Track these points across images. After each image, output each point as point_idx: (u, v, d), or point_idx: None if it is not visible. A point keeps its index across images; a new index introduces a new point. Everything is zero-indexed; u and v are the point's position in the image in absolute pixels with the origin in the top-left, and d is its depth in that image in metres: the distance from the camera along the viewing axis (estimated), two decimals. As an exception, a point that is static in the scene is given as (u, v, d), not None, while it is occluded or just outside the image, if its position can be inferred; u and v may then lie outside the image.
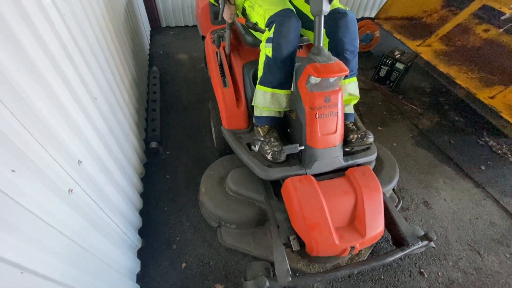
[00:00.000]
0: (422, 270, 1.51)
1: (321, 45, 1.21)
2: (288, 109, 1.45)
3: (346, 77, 1.37)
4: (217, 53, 1.80)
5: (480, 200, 1.89)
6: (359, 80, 2.90)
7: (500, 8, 2.30)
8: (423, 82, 3.02)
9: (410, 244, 1.24)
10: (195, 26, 3.84)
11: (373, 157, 1.40)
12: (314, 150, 1.26)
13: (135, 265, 1.37)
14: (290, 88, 1.38)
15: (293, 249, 1.21)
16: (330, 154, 1.28)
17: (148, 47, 3.27)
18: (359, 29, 3.11)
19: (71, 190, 0.86)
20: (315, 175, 1.28)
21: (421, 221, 1.74)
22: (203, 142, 2.16)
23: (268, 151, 1.34)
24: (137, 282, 1.36)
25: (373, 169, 1.50)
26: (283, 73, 1.32)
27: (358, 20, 3.00)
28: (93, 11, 1.39)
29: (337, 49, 1.31)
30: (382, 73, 2.82)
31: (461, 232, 1.70)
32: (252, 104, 1.47)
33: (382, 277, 1.47)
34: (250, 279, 1.13)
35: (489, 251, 1.62)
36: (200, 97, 2.60)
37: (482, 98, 2.14)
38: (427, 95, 2.84)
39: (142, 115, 2.17)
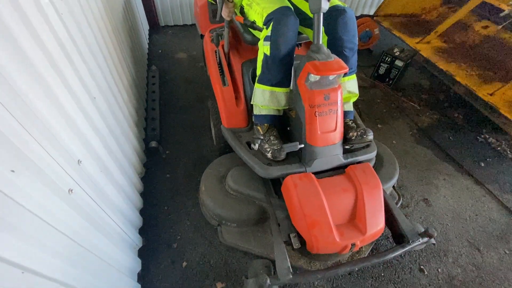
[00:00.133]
0: (422, 267, 1.51)
1: (320, 42, 1.21)
2: (287, 107, 1.45)
3: (345, 74, 1.37)
4: (216, 52, 1.80)
5: (479, 196, 1.90)
6: (358, 78, 2.90)
7: (499, 4, 2.30)
8: (422, 79, 3.02)
9: (410, 241, 1.24)
10: (193, 25, 3.83)
11: (373, 154, 1.40)
12: (314, 148, 1.26)
13: (136, 264, 1.38)
14: (289, 86, 1.38)
15: (294, 247, 1.21)
16: (330, 152, 1.28)
17: (147, 46, 3.26)
18: (358, 26, 3.10)
19: (71, 190, 0.86)
20: (315, 173, 1.28)
21: (421, 218, 1.75)
22: (203, 141, 2.16)
23: (268, 150, 1.34)
24: (138, 281, 1.37)
25: (373, 167, 1.51)
26: (282, 71, 1.32)
27: (357, 17, 3.00)
28: (91, 11, 1.39)
29: (336, 46, 1.31)
30: (382, 70, 2.82)
31: (461, 228, 1.71)
32: (251, 102, 1.46)
33: (383, 274, 1.48)
34: (251, 277, 1.14)
35: (489, 247, 1.62)
36: (199, 96, 2.60)
37: (481, 95, 2.14)
38: (426, 92, 2.84)
39: (142, 115, 2.17)
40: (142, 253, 1.48)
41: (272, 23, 1.22)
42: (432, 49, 2.62)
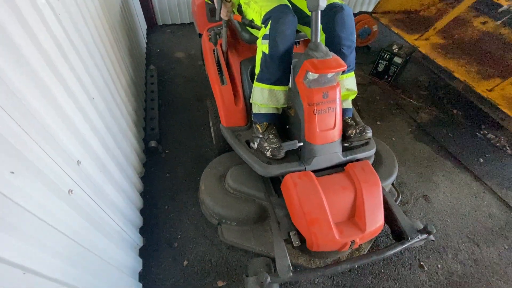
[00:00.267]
0: (422, 263, 1.52)
1: (318, 40, 1.21)
2: (286, 106, 1.45)
3: (343, 72, 1.37)
4: (214, 51, 1.79)
5: (478, 192, 1.90)
6: (357, 75, 2.90)
7: (497, 0, 2.29)
8: (421, 76, 3.01)
9: (409, 238, 1.25)
10: (191, 23, 3.81)
11: (372, 152, 1.41)
12: (313, 146, 1.26)
13: (137, 264, 1.38)
14: (288, 84, 1.38)
15: (294, 244, 1.22)
16: (329, 149, 1.28)
17: (145, 45, 3.25)
18: (356, 23, 3.11)
19: (71, 191, 0.86)
20: (315, 171, 1.28)
21: (420, 214, 1.75)
22: (202, 140, 2.16)
23: (267, 148, 1.34)
24: (139, 280, 1.37)
25: (372, 164, 1.51)
26: (281, 69, 1.32)
27: (356, 14, 2.99)
28: (88, 10, 1.38)
29: (334, 44, 1.31)
30: (380, 67, 2.82)
31: (460, 224, 1.72)
32: (250, 101, 1.46)
33: (383, 270, 1.48)
34: (252, 275, 1.14)
35: (488, 242, 1.63)
36: (198, 95, 2.59)
37: (480, 91, 2.14)
38: (425, 89, 2.84)
39: (141, 114, 2.17)
40: (143, 253, 1.48)
41: (270, 22, 1.22)
42: (430, 45, 2.62)
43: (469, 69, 2.36)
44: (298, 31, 1.47)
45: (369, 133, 1.34)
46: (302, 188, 1.18)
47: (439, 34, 2.72)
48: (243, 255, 1.52)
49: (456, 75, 2.29)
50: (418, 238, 1.25)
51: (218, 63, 1.73)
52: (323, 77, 1.19)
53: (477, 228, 1.70)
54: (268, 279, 1.09)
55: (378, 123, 2.41)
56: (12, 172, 0.63)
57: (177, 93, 2.62)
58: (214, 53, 1.78)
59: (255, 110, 1.46)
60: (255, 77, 1.40)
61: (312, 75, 1.16)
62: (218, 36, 1.73)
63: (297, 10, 1.37)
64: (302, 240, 1.22)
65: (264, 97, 1.38)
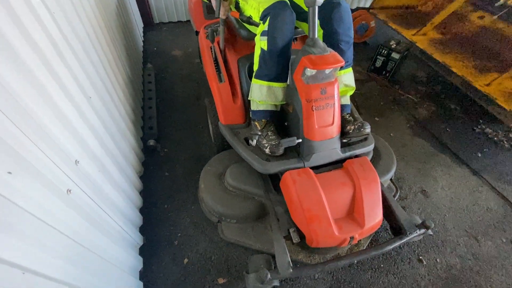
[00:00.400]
0: (421, 257, 1.53)
1: (316, 36, 1.20)
2: (284, 103, 1.44)
3: (341, 68, 1.36)
4: (211, 48, 1.78)
5: (476, 186, 1.91)
6: (355, 71, 2.89)
7: (495, -6, 2.29)
8: (419, 71, 3.01)
9: (408, 233, 1.26)
10: (188, 21, 3.79)
11: (370, 147, 1.41)
12: (311, 142, 1.26)
13: (137, 263, 1.38)
14: (286, 81, 1.37)
15: (293, 241, 1.22)
16: (328, 146, 1.29)
17: (142, 44, 3.23)
18: (354, 19, 3.10)
19: (70, 190, 0.86)
20: (314, 168, 1.29)
21: (419, 209, 1.76)
22: (200, 139, 2.16)
23: (266, 145, 1.34)
24: (140, 279, 1.38)
25: (371, 160, 1.51)
26: (279, 66, 1.31)
27: (353, 10, 2.99)
28: (83, 9, 1.37)
29: (332, 40, 1.30)
30: (378, 63, 2.81)
31: (459, 219, 1.73)
32: (249, 98, 1.46)
33: (382, 265, 1.49)
34: (252, 272, 1.15)
35: (486, 236, 1.65)
36: (196, 93, 2.59)
37: (477, 86, 2.14)
38: (423, 84, 2.85)
39: (139, 113, 2.16)
40: (143, 251, 1.49)
41: (269, 18, 1.21)
42: (428, 40, 2.62)
43: (466, 64, 2.36)
44: (295, 27, 1.47)
45: (368, 129, 1.34)
46: (301, 185, 1.19)
47: (436, 29, 2.71)
48: (243, 252, 1.52)
49: (454, 70, 2.29)
50: (417, 233, 1.26)
51: (216, 61, 1.72)
52: (321, 73, 1.18)
53: (475, 222, 1.72)
54: (269, 276, 1.09)
55: (377, 119, 2.41)
56: (10, 173, 0.63)
57: (175, 92, 2.61)
58: (212, 51, 1.77)
59: (253, 107, 1.46)
60: (254, 74, 1.40)
61: (310, 71, 1.16)
62: (215, 34, 1.72)
63: (294, 6, 1.36)
64: (302, 236, 1.23)
65: (263, 94, 1.37)
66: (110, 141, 1.33)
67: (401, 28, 2.79)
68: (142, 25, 3.56)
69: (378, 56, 2.78)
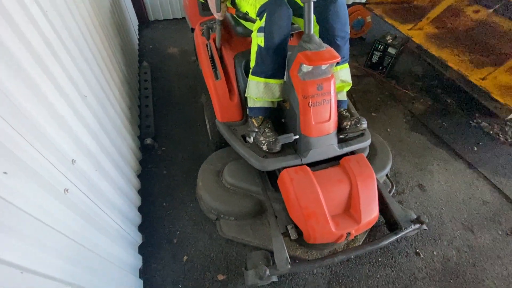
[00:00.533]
0: (418, 250, 1.55)
1: (312, 32, 1.20)
2: (281, 99, 1.44)
3: (338, 64, 1.37)
4: (207, 45, 1.77)
5: (473, 180, 1.93)
6: (352, 67, 2.89)
7: (490, -12, 2.29)
8: (415, 66, 3.02)
9: (403, 228, 1.28)
10: (183, 18, 3.76)
11: (367, 143, 1.41)
12: (308, 138, 1.27)
13: (136, 261, 1.39)
14: (283, 77, 1.37)
15: (291, 237, 1.24)
16: (325, 142, 1.29)
17: (137, 42, 3.21)
18: (350, 14, 3.09)
19: (67, 190, 0.86)
20: (311, 165, 1.29)
21: (416, 203, 1.78)
22: (198, 136, 2.16)
23: (263, 142, 1.35)
24: (140, 277, 1.38)
25: (367, 157, 1.52)
26: (276, 62, 1.31)
27: (349, 5, 2.97)
28: (76, 7, 1.36)
29: (328, 35, 1.30)
30: (375, 59, 2.82)
31: (455, 212, 1.75)
32: (246, 95, 1.46)
33: (380, 259, 1.51)
34: (251, 268, 1.16)
35: (482, 229, 1.66)
36: (193, 91, 2.58)
37: (473, 80, 2.15)
38: (419, 79, 2.85)
39: (135, 112, 2.15)
40: (142, 250, 1.49)
41: (265, 14, 1.20)
42: (424, 35, 2.62)
43: (462, 58, 2.37)
44: (292, 23, 1.46)
45: (364, 124, 1.34)
46: (299, 182, 1.19)
47: (432, 23, 2.72)
48: (242, 249, 1.53)
49: (450, 64, 2.30)
50: (411, 228, 1.29)
51: (212, 58, 1.71)
52: (317, 69, 1.18)
53: (472, 215, 1.73)
54: (267, 272, 1.10)
55: (373, 114, 2.42)
56: (5, 173, 0.63)
57: (172, 90, 2.60)
58: (207, 48, 1.76)
59: (250, 104, 1.46)
60: (250, 70, 1.40)
61: (306, 67, 1.16)
62: (210, 30, 1.71)
63: (290, 1, 1.36)
64: (299, 233, 1.24)
65: (260, 91, 1.37)
66: (106, 139, 1.32)
67: (397, 23, 2.79)
68: (137, 23, 3.53)
69: (374, 52, 2.78)
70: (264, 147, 1.34)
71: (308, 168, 1.25)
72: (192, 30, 2.22)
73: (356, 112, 1.56)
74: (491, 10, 2.60)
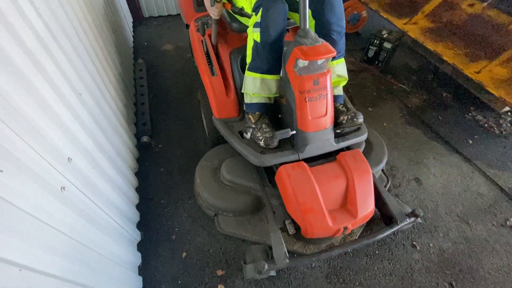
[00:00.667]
0: (414, 243, 1.57)
1: (307, 27, 1.20)
2: (278, 95, 1.44)
3: (334, 58, 1.37)
4: (202, 42, 1.76)
5: (468, 173, 1.95)
6: (348, 62, 2.89)
7: (484, -19, 2.30)
8: (411, 60, 3.03)
9: (398, 221, 1.30)
10: (178, 15, 3.72)
11: (363, 137, 1.42)
12: (305, 133, 1.27)
13: (135, 258, 1.39)
14: (279, 73, 1.37)
15: (289, 232, 1.25)
16: (322, 137, 1.30)
17: (132, 39, 3.17)
18: (346, 9, 3.08)
19: (63, 188, 0.85)
20: (308, 160, 1.30)
21: (412, 196, 1.80)
22: (195, 133, 2.15)
23: (260, 138, 1.35)
24: (139, 274, 1.39)
25: (363, 152, 1.53)
26: (272, 57, 1.31)
27: (345, 0, 2.96)
28: (69, 3, 1.34)
29: (323, 30, 1.30)
30: (371, 53, 2.82)
31: (451, 204, 1.77)
32: (242, 91, 1.45)
33: (377, 252, 1.53)
34: (250, 262, 1.17)
35: (477, 220, 1.69)
36: (189, 88, 2.56)
37: (468, 73, 2.16)
38: (415, 73, 2.86)
39: (131, 110, 2.14)
40: (141, 247, 1.49)
41: (261, 9, 1.20)
42: (419, 29, 2.62)
43: (457, 52, 2.37)
44: (287, 19, 1.46)
45: (360, 119, 1.35)
46: (296, 178, 1.20)
47: (427, 17, 2.71)
48: (241, 244, 1.54)
49: (445, 58, 2.31)
50: (407, 221, 1.31)
51: (207, 54, 1.70)
52: (313, 64, 1.18)
53: (467, 207, 1.76)
54: (266, 266, 1.11)
55: (370, 109, 2.43)
56: (1, 171, 0.62)
57: (168, 87, 2.58)
58: (203, 44, 1.75)
59: (247, 100, 1.46)
60: (247, 66, 1.39)
61: (302, 62, 1.16)
62: (206, 26, 1.70)
63: (285, -4, 1.35)
64: (297, 228, 1.25)
65: (256, 87, 1.37)
66: (102, 137, 1.32)
67: (393, 18, 2.78)
68: (132, 20, 3.49)
69: (370, 46, 2.78)
70: (261, 143, 1.34)
71: (305, 164, 1.25)
72: (187, 26, 2.20)
73: (352, 106, 1.56)
74: (485, 4, 2.60)
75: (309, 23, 1.23)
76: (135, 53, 3.01)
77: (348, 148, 1.42)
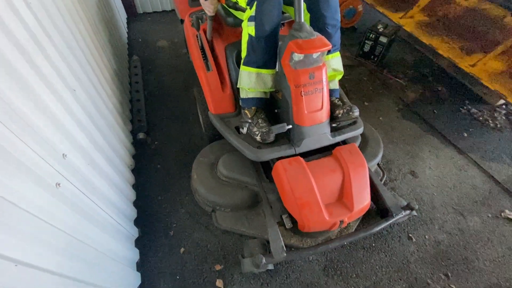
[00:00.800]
0: (410, 235, 1.59)
1: (302, 20, 1.19)
2: (274, 89, 1.44)
3: (329, 52, 1.37)
4: (197, 36, 1.75)
5: (463, 165, 1.97)
6: (344, 57, 2.89)
7: (479, -26, 2.30)
8: (407, 54, 3.03)
9: (394, 214, 1.31)
10: (173, 10, 3.69)
11: (360, 131, 1.42)
12: (301, 128, 1.27)
13: (133, 254, 1.39)
14: (275, 67, 1.36)
15: (286, 226, 1.26)
16: (318, 130, 1.30)
17: (126, 35, 3.14)
18: (341, 4, 3.07)
19: (59, 184, 0.85)
20: (304, 155, 1.30)
21: (408, 189, 1.81)
22: (191, 129, 2.14)
23: (257, 133, 1.35)
24: (138, 270, 1.39)
25: (359, 146, 1.54)
26: (267, 52, 1.30)
27: (340, -6, 2.95)
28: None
29: (318, 24, 1.30)
30: (367, 48, 2.81)
31: (446, 197, 1.79)
32: (238, 86, 1.45)
33: (374, 244, 1.54)
34: (247, 256, 1.17)
35: (472, 212, 1.71)
36: (184, 84, 2.55)
37: (463, 67, 2.17)
38: (411, 67, 2.87)
39: (127, 106, 2.12)
40: (139, 243, 1.49)
41: (256, 3, 1.19)
42: (415, 23, 2.62)
43: (452, 45, 2.38)
44: (282, 12, 1.45)
45: (356, 112, 1.35)
46: (292, 173, 1.20)
47: (423, 11, 2.71)
48: (238, 239, 1.55)
49: (440, 52, 2.31)
50: (402, 214, 1.32)
51: (203, 49, 1.69)
52: (308, 58, 1.18)
53: (462, 199, 1.78)
54: (263, 260, 1.12)
55: (366, 103, 2.44)
56: (-6, 167, 0.62)
57: (163, 83, 2.57)
58: (198, 39, 1.74)
59: (243, 95, 1.45)
60: (242, 61, 1.38)
61: (297, 56, 1.16)
62: (200, 21, 1.68)
63: (280, -11, 1.34)
64: (294, 222, 1.26)
65: (252, 81, 1.36)
66: (97, 134, 1.31)
67: (388, 12, 2.78)
68: (126, 16, 3.45)
69: (366, 41, 2.78)
70: (258, 138, 1.34)
71: (301, 158, 1.26)
72: (182, 21, 2.18)
73: (348, 100, 1.56)
74: (480, -3, 2.60)
75: (304, 16, 1.22)
76: (130, 49, 2.98)
77: (344, 142, 1.42)
